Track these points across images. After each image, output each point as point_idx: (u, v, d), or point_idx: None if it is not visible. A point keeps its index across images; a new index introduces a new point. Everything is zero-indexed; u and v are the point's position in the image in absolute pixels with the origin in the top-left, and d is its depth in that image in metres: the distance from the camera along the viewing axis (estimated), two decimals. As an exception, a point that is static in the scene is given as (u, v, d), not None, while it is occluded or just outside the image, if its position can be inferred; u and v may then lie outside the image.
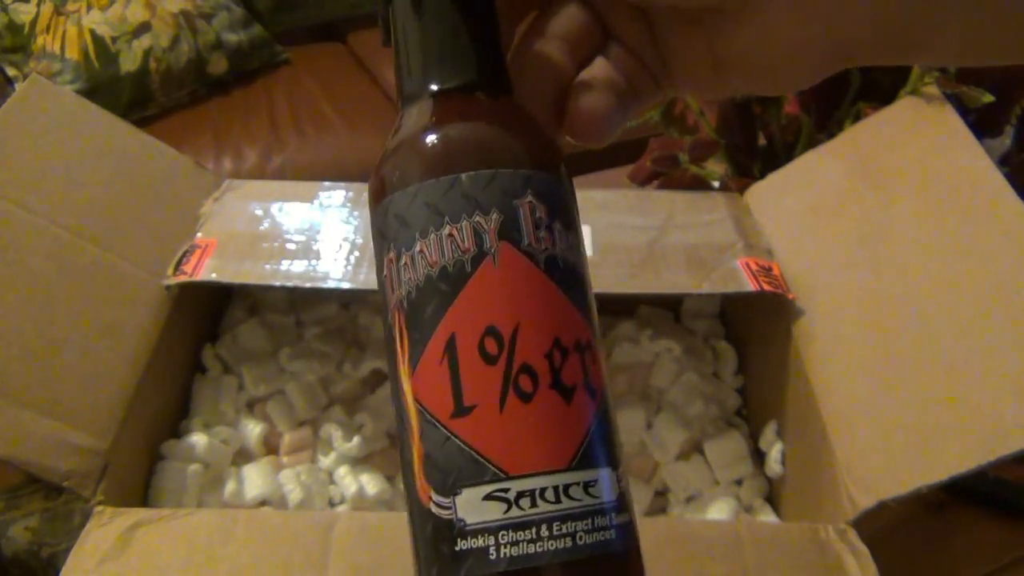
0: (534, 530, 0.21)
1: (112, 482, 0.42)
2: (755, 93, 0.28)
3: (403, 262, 0.23)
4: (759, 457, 0.55)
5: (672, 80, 0.27)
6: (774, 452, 0.52)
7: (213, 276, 0.50)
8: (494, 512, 0.21)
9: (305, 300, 0.61)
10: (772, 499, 0.54)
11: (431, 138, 0.24)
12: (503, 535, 0.21)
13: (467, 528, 0.21)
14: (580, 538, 0.21)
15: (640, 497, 0.53)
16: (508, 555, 0.21)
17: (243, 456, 0.54)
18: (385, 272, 0.24)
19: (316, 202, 0.56)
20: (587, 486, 0.22)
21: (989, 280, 0.43)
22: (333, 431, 0.54)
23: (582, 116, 0.25)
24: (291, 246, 0.52)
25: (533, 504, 0.21)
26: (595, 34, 0.26)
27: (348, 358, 0.57)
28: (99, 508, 0.40)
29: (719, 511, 0.51)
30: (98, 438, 0.43)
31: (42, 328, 0.44)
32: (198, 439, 0.51)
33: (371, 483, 0.52)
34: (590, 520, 0.22)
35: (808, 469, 0.48)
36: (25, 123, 0.51)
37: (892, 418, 0.42)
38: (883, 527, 0.53)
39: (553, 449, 0.22)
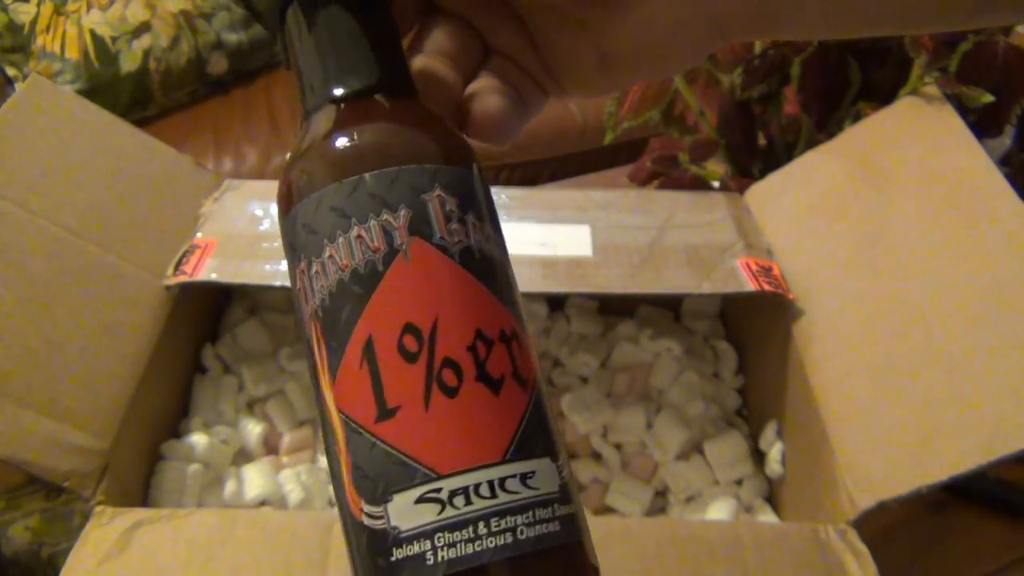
0: (471, 528, 0.20)
1: (112, 482, 0.42)
2: (641, 81, 0.29)
3: (314, 270, 0.23)
4: (759, 457, 0.55)
5: (559, 84, 0.28)
6: (774, 452, 0.52)
7: (213, 276, 0.50)
8: (428, 515, 0.20)
9: (305, 300, 0.61)
10: (772, 499, 0.54)
11: (331, 143, 0.24)
12: (439, 537, 0.20)
13: (402, 535, 0.20)
14: (521, 532, 0.20)
15: (640, 497, 0.53)
16: (446, 558, 0.20)
17: (243, 456, 0.54)
18: (298, 284, 0.23)
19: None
20: (524, 478, 0.21)
21: (989, 280, 0.43)
22: (333, 431, 0.54)
23: (482, 119, 0.26)
24: (291, 246, 0.52)
25: (468, 502, 0.20)
26: (475, 48, 0.27)
27: (348, 358, 0.57)
28: (99, 508, 0.40)
29: (719, 511, 0.51)
30: (98, 438, 0.43)
31: (42, 328, 0.44)
32: (198, 439, 0.51)
33: (371, 483, 0.52)
34: (531, 513, 0.21)
35: (808, 469, 0.48)
36: (25, 123, 0.51)
37: (892, 418, 0.42)
38: (883, 527, 0.53)
39: (485, 442, 0.21)
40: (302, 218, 0.23)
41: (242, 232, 0.53)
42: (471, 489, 0.20)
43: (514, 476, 0.21)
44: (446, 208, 0.23)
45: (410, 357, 0.21)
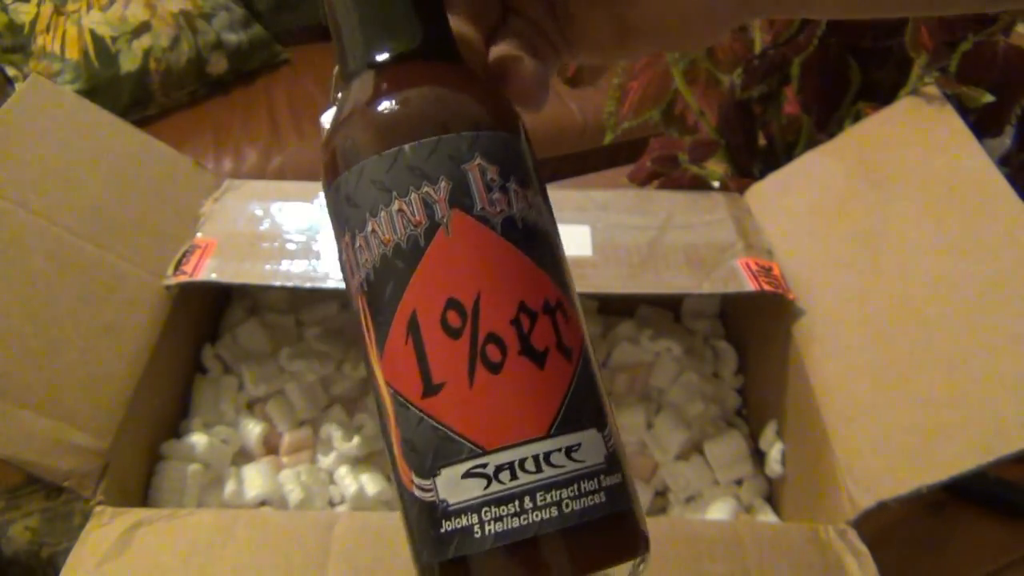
0: (517, 503, 0.20)
1: (112, 482, 0.42)
2: (657, 51, 0.29)
3: (358, 244, 0.23)
4: (759, 457, 0.55)
5: (573, 48, 0.28)
6: (774, 452, 0.52)
7: (213, 276, 0.50)
8: (475, 489, 0.21)
9: (305, 300, 0.61)
10: (772, 499, 0.54)
11: (371, 112, 0.23)
12: (486, 511, 0.20)
13: (450, 508, 0.21)
14: (567, 505, 0.21)
15: (640, 497, 0.52)
16: (493, 531, 0.20)
17: (243, 456, 0.54)
18: (344, 256, 0.23)
19: (316, 202, 0.56)
20: (569, 451, 0.21)
21: (989, 280, 0.43)
22: (333, 431, 0.54)
23: (525, 84, 0.25)
24: (291, 246, 0.52)
25: (514, 477, 0.21)
26: (494, 7, 0.26)
27: (348, 358, 0.57)
28: (99, 508, 0.40)
29: (719, 511, 0.51)
30: (98, 438, 0.43)
31: (42, 328, 0.44)
32: (198, 439, 0.51)
33: (371, 483, 0.52)
34: (576, 486, 0.21)
35: (808, 469, 0.48)
36: (25, 123, 0.51)
37: (892, 418, 0.42)
38: (883, 527, 0.53)
39: (529, 418, 0.21)
40: (344, 190, 0.23)
41: (242, 232, 0.53)
42: (516, 464, 0.21)
43: (559, 450, 0.21)
44: (487, 177, 0.22)
45: (454, 333, 0.21)
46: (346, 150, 0.23)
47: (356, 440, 0.53)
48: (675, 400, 0.56)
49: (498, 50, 0.26)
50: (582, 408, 0.22)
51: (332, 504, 0.53)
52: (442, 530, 0.21)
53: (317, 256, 0.51)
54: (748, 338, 0.60)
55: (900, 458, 0.40)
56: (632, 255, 0.53)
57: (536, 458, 0.21)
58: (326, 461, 0.54)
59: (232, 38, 1.53)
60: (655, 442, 0.54)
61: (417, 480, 0.21)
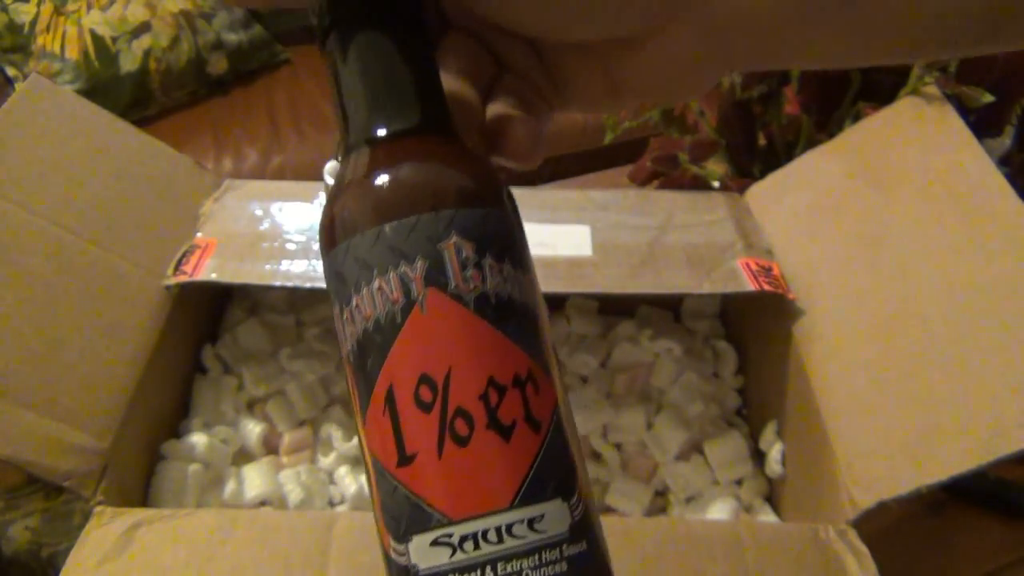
0: (479, 572, 0.21)
1: (112, 482, 0.42)
2: (646, 103, 0.30)
3: (345, 316, 0.24)
4: (759, 457, 0.55)
5: (564, 101, 0.28)
6: (774, 452, 0.52)
7: (213, 276, 0.50)
8: (441, 557, 0.22)
9: (305, 300, 0.61)
10: (772, 499, 0.54)
11: (358, 191, 0.24)
12: None
13: (420, 574, 0.22)
14: (526, 575, 0.22)
15: (640, 497, 0.53)
16: None
17: (243, 456, 0.54)
18: (336, 325, 0.25)
19: (316, 202, 0.56)
20: (532, 522, 0.22)
21: (989, 280, 0.43)
22: (333, 431, 0.54)
23: (524, 144, 0.26)
24: (291, 246, 0.52)
25: (476, 547, 0.22)
26: (489, 66, 0.27)
27: (348, 358, 0.57)
28: (99, 508, 0.40)
29: (719, 511, 0.51)
30: (98, 438, 0.43)
31: (42, 328, 0.44)
32: (198, 439, 0.51)
33: (371, 483, 0.52)
34: (536, 556, 0.22)
35: (808, 469, 0.48)
36: (25, 123, 0.51)
37: (892, 418, 0.42)
38: (883, 527, 0.53)
39: (493, 490, 0.22)
40: (335, 265, 0.24)
41: (242, 232, 0.53)
42: (479, 535, 0.22)
43: (521, 521, 0.22)
44: (462, 255, 0.23)
45: (425, 407, 0.22)
46: (338, 225, 0.24)
47: (356, 440, 0.53)
48: (675, 400, 0.56)
49: (494, 109, 0.26)
50: (548, 479, 0.23)
51: (332, 504, 0.53)
52: None
53: (317, 256, 0.51)
54: (748, 338, 0.60)
55: (900, 458, 0.40)
56: (632, 255, 0.53)
57: (498, 529, 0.22)
58: (326, 461, 0.54)
59: (232, 38, 1.53)
60: (655, 442, 0.54)
61: (393, 544, 0.23)
